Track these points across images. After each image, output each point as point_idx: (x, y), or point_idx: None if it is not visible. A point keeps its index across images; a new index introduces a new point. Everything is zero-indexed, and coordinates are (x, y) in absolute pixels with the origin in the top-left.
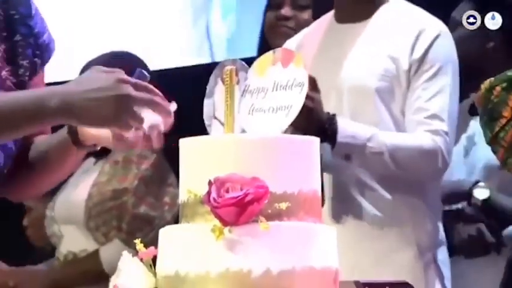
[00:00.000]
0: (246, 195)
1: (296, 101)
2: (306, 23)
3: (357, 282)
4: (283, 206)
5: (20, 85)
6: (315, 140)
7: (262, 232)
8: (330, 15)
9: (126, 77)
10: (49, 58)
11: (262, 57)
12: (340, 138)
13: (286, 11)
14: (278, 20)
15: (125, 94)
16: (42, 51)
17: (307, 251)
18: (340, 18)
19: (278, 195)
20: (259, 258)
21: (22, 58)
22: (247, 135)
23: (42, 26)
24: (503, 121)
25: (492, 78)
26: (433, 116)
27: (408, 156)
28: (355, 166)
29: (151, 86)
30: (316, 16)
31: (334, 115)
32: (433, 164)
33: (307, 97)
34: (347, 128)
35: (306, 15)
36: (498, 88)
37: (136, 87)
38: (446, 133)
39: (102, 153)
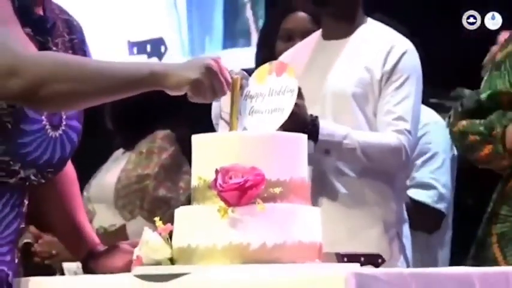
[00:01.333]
0: (246, 182)
1: (288, 104)
2: None
3: (337, 254)
4: (277, 190)
5: None
6: (303, 137)
7: (259, 212)
8: (318, 33)
9: (218, 60)
10: None
11: (260, 68)
12: (321, 136)
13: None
14: None
15: (211, 68)
16: None
17: (296, 228)
18: (326, 36)
19: (273, 182)
20: (256, 233)
21: None
22: (247, 133)
23: (90, 53)
24: (478, 157)
25: (464, 123)
26: (399, 118)
27: (377, 152)
28: (333, 159)
29: (230, 82)
30: None
31: (316, 117)
32: (397, 158)
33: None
34: (327, 127)
35: None
36: (472, 137)
37: (222, 73)
38: (410, 132)
39: (129, 146)
